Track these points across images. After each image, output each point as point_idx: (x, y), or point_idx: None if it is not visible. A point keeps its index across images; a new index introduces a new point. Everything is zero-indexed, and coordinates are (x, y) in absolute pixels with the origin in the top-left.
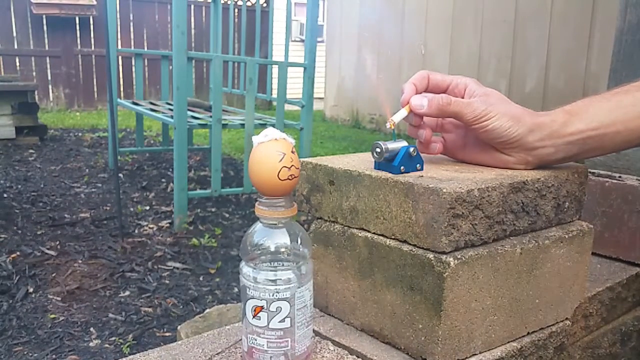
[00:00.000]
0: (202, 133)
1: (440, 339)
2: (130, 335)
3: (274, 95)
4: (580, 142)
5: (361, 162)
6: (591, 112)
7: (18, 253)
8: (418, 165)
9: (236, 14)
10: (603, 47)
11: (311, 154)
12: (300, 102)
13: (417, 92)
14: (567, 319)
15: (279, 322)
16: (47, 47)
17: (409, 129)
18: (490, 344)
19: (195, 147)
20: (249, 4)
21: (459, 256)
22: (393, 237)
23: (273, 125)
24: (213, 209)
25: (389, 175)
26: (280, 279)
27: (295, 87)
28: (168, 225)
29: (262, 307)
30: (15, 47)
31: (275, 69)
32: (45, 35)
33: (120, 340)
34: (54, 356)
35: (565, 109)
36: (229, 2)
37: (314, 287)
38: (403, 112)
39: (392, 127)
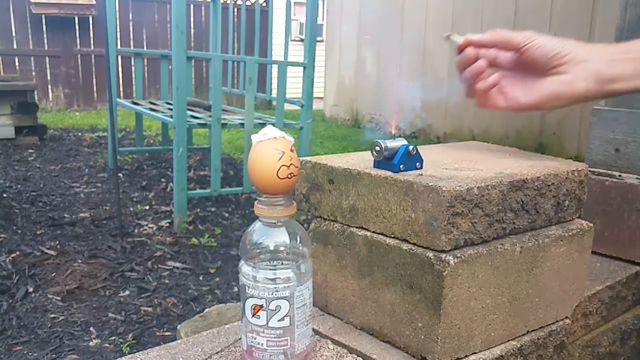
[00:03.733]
0: (201, 133)
1: (439, 338)
2: (130, 335)
3: (274, 94)
4: (632, 61)
5: (360, 161)
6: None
7: (18, 253)
8: (417, 163)
9: (236, 13)
10: None
11: (311, 153)
12: (300, 101)
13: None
14: (567, 317)
15: (278, 320)
16: (46, 47)
17: (465, 73)
18: (490, 343)
19: (195, 147)
20: (248, 3)
21: (458, 255)
22: (392, 235)
23: (273, 125)
24: (213, 209)
25: (389, 173)
26: (280, 278)
27: (295, 87)
28: (168, 225)
29: (261, 306)
30: (15, 46)
31: (274, 69)
32: (45, 35)
33: (120, 340)
34: (53, 356)
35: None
36: (228, 2)
37: (314, 286)
38: (459, 39)
39: (449, 38)
